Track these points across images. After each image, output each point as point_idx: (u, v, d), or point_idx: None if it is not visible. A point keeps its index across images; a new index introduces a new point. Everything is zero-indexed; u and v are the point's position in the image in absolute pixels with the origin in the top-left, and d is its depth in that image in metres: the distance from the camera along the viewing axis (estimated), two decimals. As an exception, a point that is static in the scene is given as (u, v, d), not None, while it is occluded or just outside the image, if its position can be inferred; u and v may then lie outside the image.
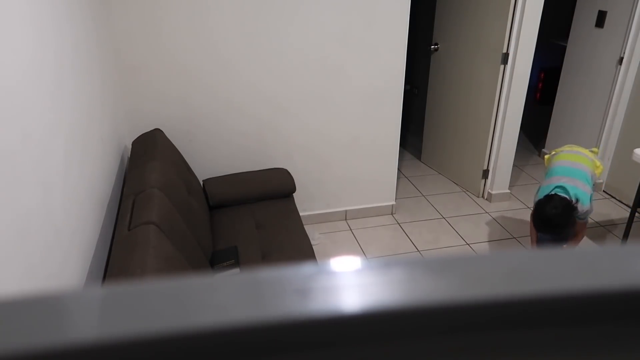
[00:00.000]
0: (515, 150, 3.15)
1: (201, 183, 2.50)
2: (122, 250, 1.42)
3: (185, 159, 2.44)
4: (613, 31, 3.09)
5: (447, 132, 3.50)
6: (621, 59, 3.05)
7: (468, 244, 2.82)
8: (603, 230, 2.90)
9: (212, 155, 2.66)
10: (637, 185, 2.48)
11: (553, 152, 2.56)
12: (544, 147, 3.88)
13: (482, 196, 3.32)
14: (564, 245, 2.50)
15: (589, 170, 2.31)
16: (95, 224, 1.64)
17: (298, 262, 1.83)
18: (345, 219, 3.06)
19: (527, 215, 3.07)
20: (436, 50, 3.41)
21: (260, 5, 2.37)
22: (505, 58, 2.86)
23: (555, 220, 2.17)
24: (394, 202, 3.11)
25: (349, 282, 0.25)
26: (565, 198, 2.19)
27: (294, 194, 2.59)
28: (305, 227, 2.40)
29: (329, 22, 2.50)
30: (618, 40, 3.05)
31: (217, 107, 2.55)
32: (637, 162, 2.33)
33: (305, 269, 0.26)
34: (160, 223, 1.53)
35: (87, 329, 0.22)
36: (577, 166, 2.32)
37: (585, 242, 2.57)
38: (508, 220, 3.07)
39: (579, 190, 2.22)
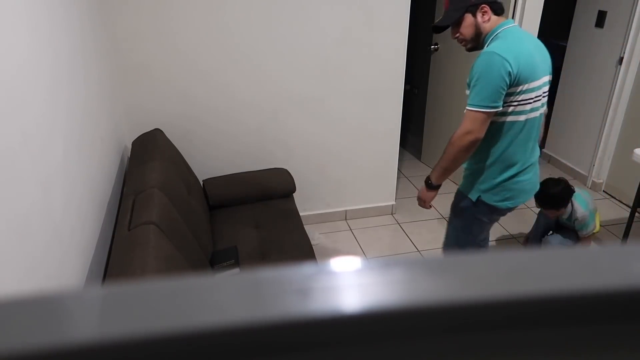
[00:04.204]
0: (515, 150, 3.14)
1: (201, 183, 2.50)
2: (122, 250, 1.42)
3: (185, 159, 2.44)
4: (613, 31, 3.09)
5: (447, 132, 3.49)
6: (621, 59, 3.05)
7: (468, 244, 2.82)
8: (603, 230, 2.90)
9: (212, 155, 2.66)
10: (637, 185, 2.48)
11: None
12: (544, 147, 3.88)
13: (482, 196, 3.32)
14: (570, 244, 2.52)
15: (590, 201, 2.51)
16: (95, 224, 1.64)
17: (298, 262, 1.83)
18: (345, 219, 3.06)
19: (526, 215, 3.07)
20: (436, 50, 3.41)
21: (260, 6, 2.37)
22: (505, 58, 2.86)
23: (555, 195, 2.38)
24: (394, 202, 3.11)
25: (349, 282, 0.25)
26: (566, 180, 2.44)
27: (294, 194, 2.59)
28: (305, 227, 2.40)
29: (329, 22, 2.50)
30: (618, 40, 3.05)
31: (217, 107, 2.55)
32: (637, 162, 2.33)
33: (305, 269, 0.26)
34: (160, 223, 1.53)
35: (87, 329, 0.22)
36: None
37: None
38: (508, 220, 3.07)
39: (579, 195, 2.46)
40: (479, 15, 1.64)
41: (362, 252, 2.76)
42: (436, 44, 3.39)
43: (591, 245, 2.56)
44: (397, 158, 2.99)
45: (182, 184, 2.04)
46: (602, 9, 3.15)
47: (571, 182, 2.81)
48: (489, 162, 1.71)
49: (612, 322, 0.26)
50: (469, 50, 1.77)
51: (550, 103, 3.73)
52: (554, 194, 2.36)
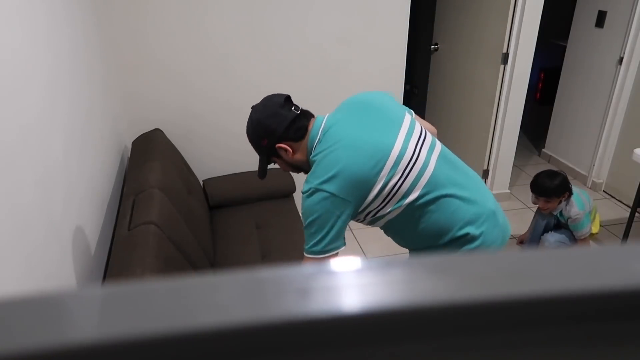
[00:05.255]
0: (515, 150, 3.15)
1: (201, 183, 2.50)
2: (122, 250, 1.42)
3: (185, 159, 2.44)
4: (613, 31, 3.09)
5: (447, 132, 3.50)
6: (621, 59, 3.05)
7: (468, 244, 2.81)
8: (603, 230, 2.90)
9: (212, 155, 2.65)
10: (637, 185, 2.48)
11: None
12: (544, 147, 3.88)
13: (482, 196, 3.32)
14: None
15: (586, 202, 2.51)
16: (95, 224, 1.64)
17: (298, 262, 1.83)
18: (345, 219, 3.06)
19: (526, 215, 3.07)
20: (436, 50, 3.41)
21: (260, 5, 2.37)
22: (505, 58, 2.86)
23: (549, 185, 2.41)
24: (394, 202, 3.11)
25: (349, 282, 0.25)
26: (563, 174, 2.46)
27: (294, 194, 2.59)
28: (305, 227, 2.39)
29: (329, 22, 2.50)
30: (618, 40, 3.05)
31: (217, 106, 2.55)
32: (637, 162, 2.33)
33: (305, 269, 0.26)
34: (160, 223, 1.53)
35: (87, 329, 0.22)
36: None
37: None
38: (508, 220, 3.06)
39: (577, 195, 2.47)
40: (283, 155, 1.33)
41: (362, 252, 2.76)
42: (436, 44, 3.39)
43: (591, 245, 2.56)
44: (397, 158, 2.98)
45: (182, 184, 2.04)
46: (602, 9, 3.15)
47: (571, 182, 2.81)
48: (437, 242, 1.29)
49: (612, 321, 0.26)
50: (307, 172, 1.40)
51: (551, 103, 3.74)
52: (546, 184, 2.41)
